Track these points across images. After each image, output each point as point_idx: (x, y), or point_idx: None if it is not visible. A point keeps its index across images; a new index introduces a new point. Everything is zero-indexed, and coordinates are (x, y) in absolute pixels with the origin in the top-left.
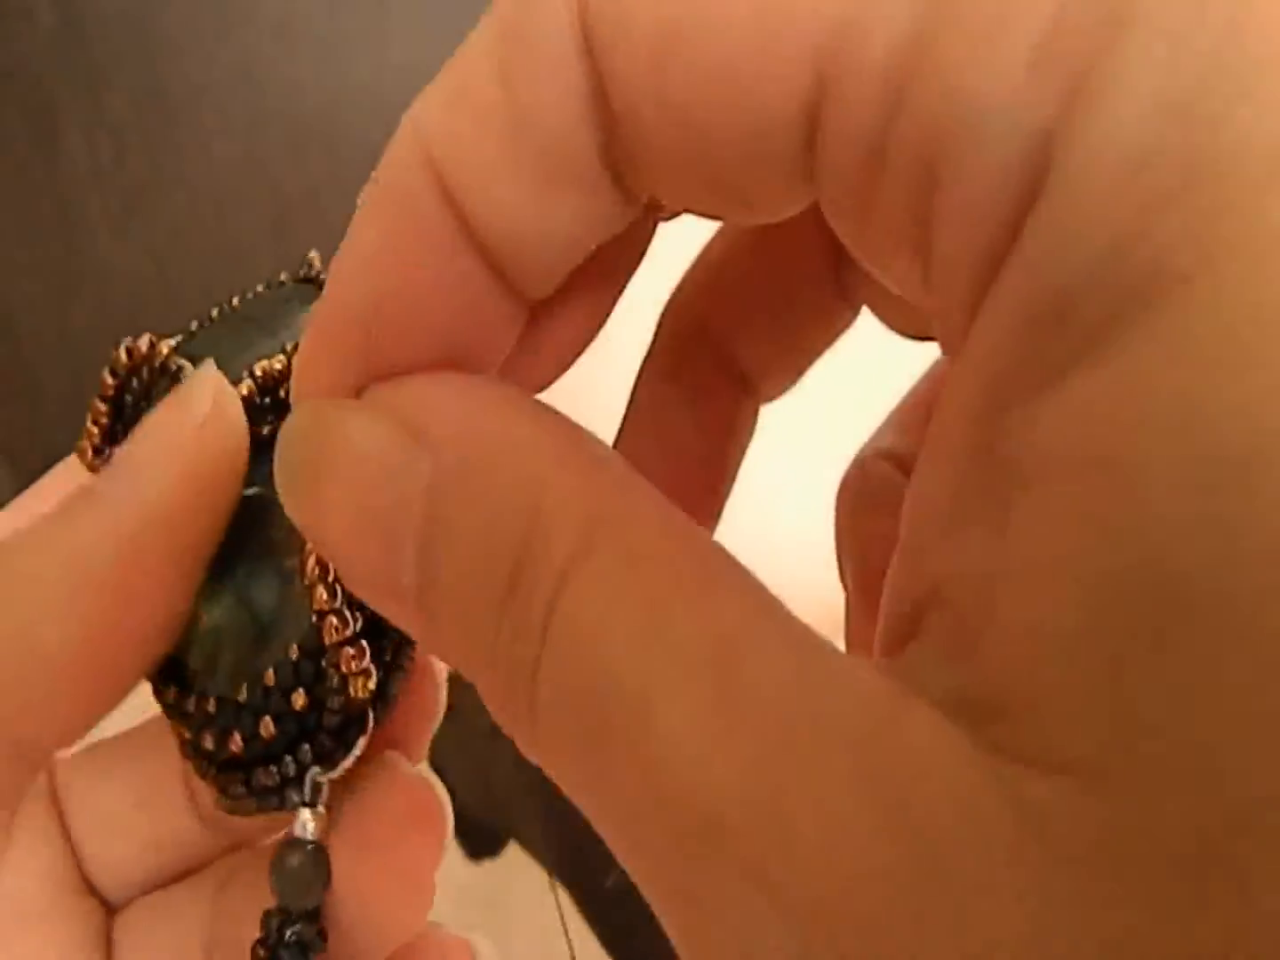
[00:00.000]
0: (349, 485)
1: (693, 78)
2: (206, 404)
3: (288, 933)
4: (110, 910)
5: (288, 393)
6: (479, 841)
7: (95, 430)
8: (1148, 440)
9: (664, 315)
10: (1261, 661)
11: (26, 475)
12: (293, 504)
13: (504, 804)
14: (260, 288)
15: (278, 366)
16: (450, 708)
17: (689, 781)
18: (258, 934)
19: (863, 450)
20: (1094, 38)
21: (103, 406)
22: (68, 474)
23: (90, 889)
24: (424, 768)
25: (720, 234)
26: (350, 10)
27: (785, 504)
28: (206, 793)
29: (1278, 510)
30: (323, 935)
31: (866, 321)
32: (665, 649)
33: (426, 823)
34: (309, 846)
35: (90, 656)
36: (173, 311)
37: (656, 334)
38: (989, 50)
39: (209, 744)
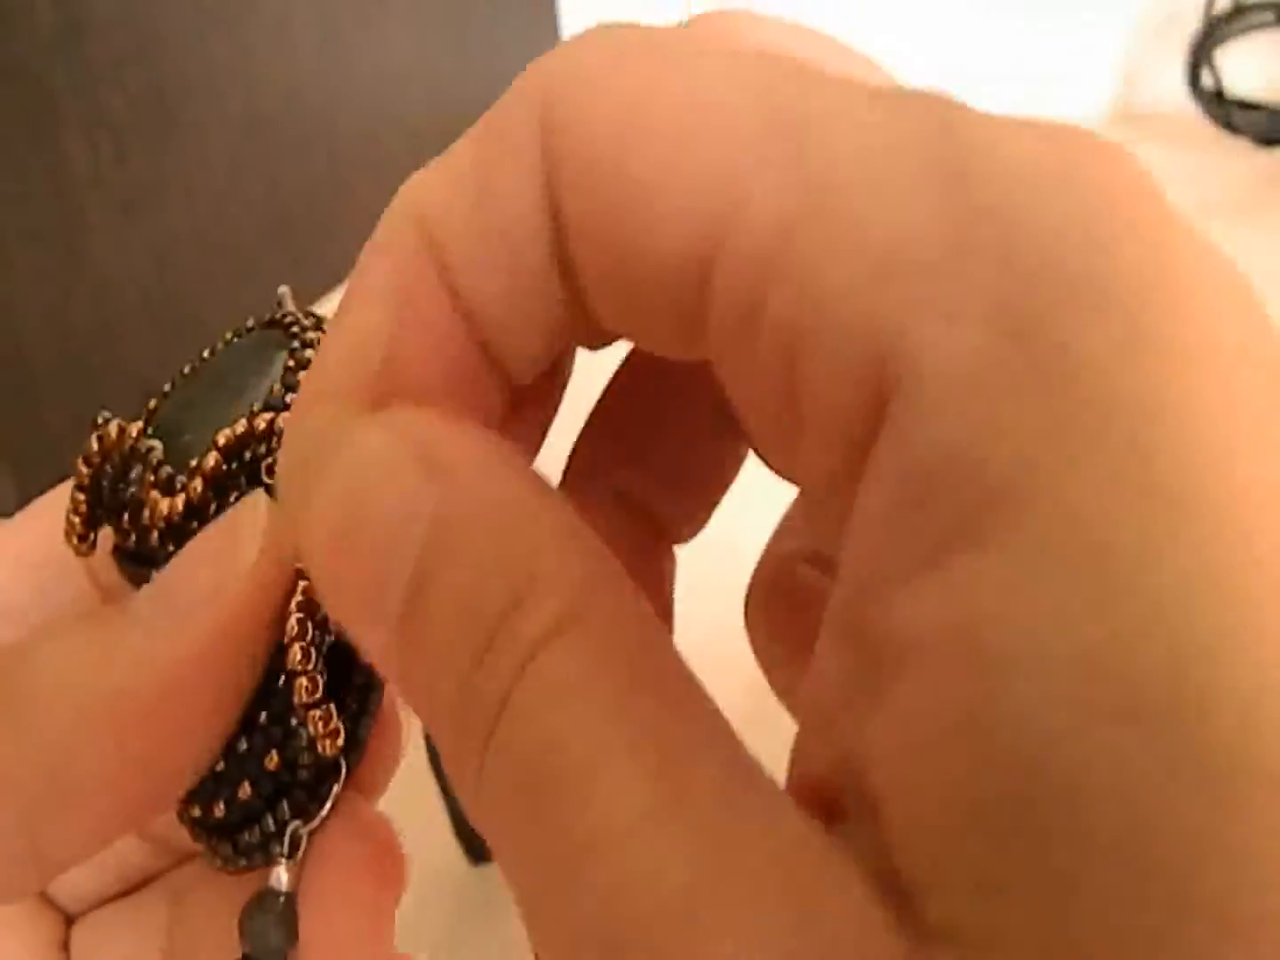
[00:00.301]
0: (354, 494)
1: (610, 216)
2: (256, 545)
3: None
4: (67, 920)
5: (253, 455)
6: (480, 845)
7: (77, 519)
8: (1005, 638)
9: (569, 458)
10: (1112, 885)
11: (26, 476)
12: (292, 500)
13: None
14: (229, 335)
15: (240, 430)
16: None
17: (618, 865)
18: (213, 947)
19: (770, 550)
20: (938, 255)
21: (80, 495)
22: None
23: (46, 899)
24: (425, 770)
25: (617, 376)
26: (350, 10)
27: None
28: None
29: (1136, 735)
30: None
31: None
32: (616, 730)
33: (387, 866)
34: (280, 898)
35: (116, 786)
36: (173, 311)
37: (563, 477)
38: (839, 258)
39: (196, 812)
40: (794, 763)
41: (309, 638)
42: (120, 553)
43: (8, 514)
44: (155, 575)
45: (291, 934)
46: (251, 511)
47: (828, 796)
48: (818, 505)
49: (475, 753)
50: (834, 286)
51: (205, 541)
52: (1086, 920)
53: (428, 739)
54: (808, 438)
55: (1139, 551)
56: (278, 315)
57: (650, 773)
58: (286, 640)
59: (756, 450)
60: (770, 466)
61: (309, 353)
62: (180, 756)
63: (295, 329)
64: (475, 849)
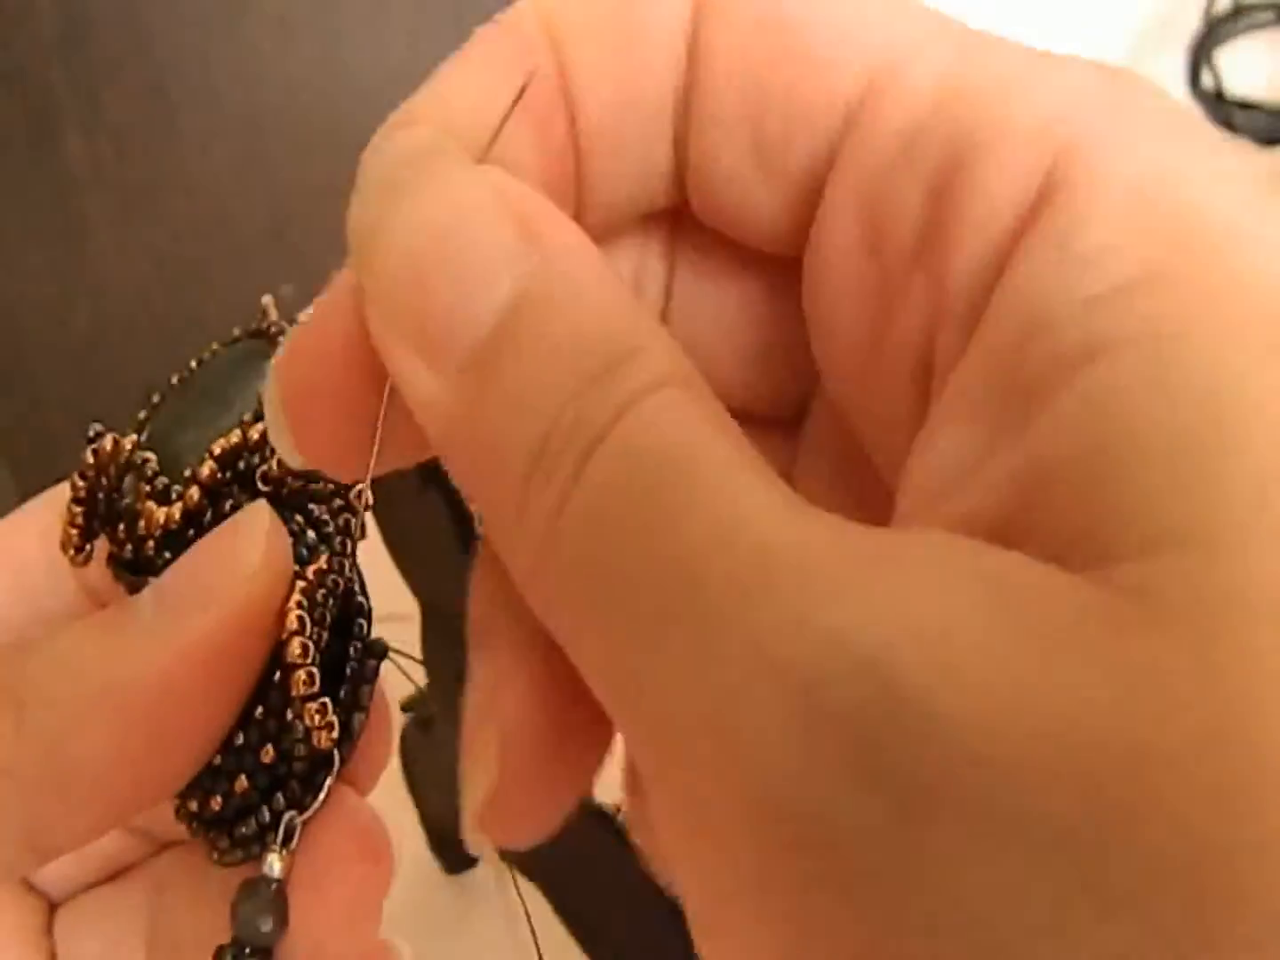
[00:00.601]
0: (444, 228)
1: (767, 55)
2: (259, 552)
3: None
4: (51, 905)
5: (247, 465)
6: (456, 856)
7: (74, 532)
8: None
9: None
10: None
11: (26, 475)
12: (365, 218)
13: None
14: (215, 346)
15: (234, 440)
16: (426, 722)
17: (771, 535)
18: (196, 936)
19: None
20: (1096, 121)
21: (76, 508)
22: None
23: (29, 885)
24: (398, 784)
25: None
26: (350, 10)
27: None
28: None
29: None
30: None
31: None
32: (739, 450)
33: (374, 857)
34: (271, 885)
35: (114, 777)
36: (173, 311)
37: None
38: (1012, 101)
39: (194, 807)
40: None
41: (308, 632)
42: (116, 562)
43: (7, 512)
44: (160, 577)
45: (281, 921)
46: (255, 518)
47: None
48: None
49: (557, 492)
50: (1010, 112)
51: (209, 545)
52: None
53: (401, 750)
54: (951, 250)
55: None
56: (263, 325)
57: (777, 484)
58: (286, 634)
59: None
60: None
61: None
62: (178, 750)
63: (281, 338)
64: (451, 859)
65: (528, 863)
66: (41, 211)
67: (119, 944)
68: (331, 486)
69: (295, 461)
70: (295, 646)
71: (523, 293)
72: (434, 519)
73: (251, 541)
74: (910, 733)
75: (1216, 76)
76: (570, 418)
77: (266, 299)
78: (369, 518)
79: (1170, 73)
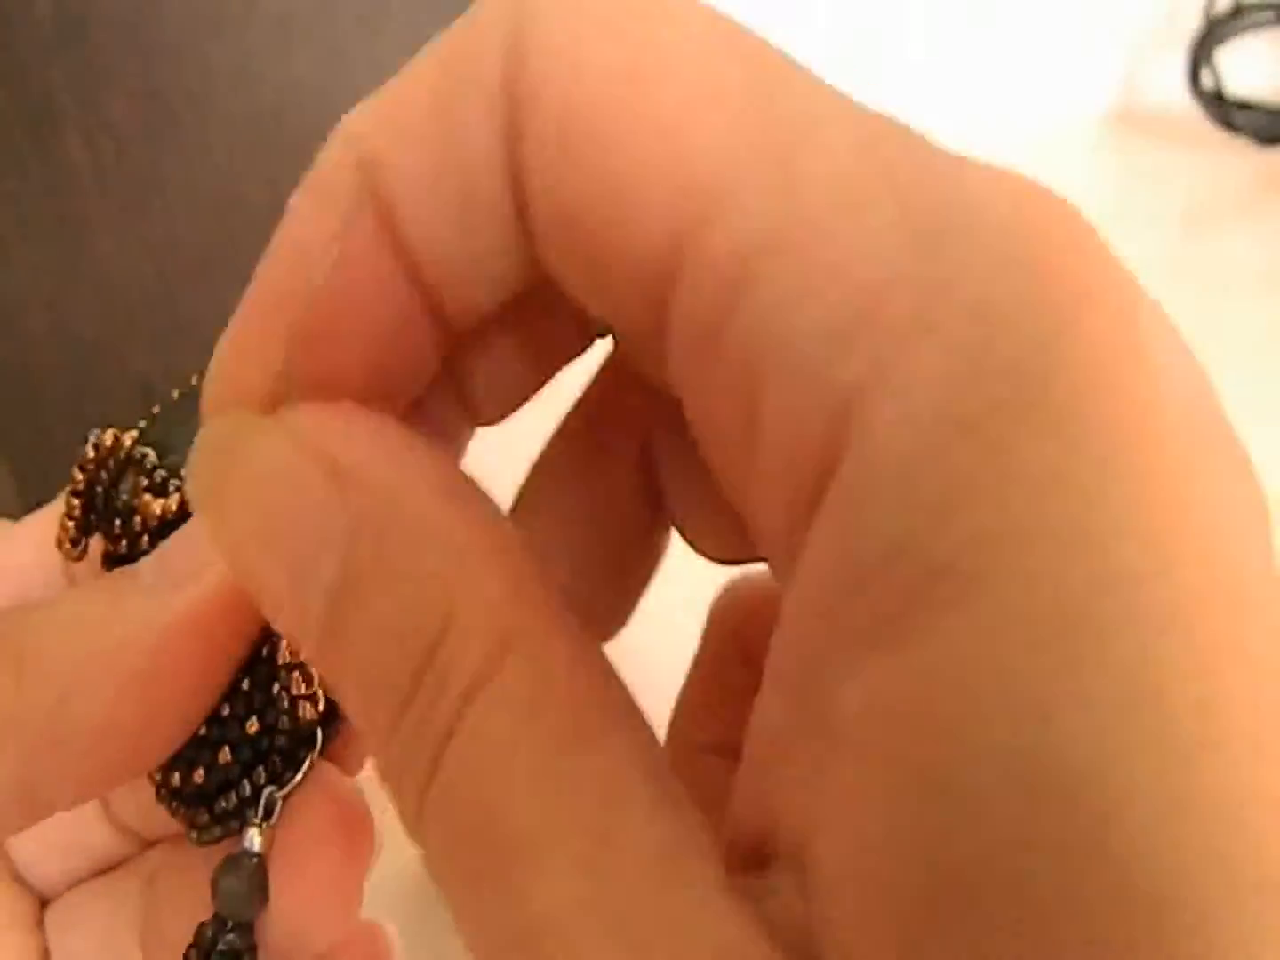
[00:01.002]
0: (265, 507)
1: (579, 188)
2: None
3: (220, 942)
4: (42, 901)
5: None
6: None
7: (70, 524)
8: (947, 726)
9: None
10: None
11: (27, 475)
12: (204, 518)
13: None
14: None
15: None
16: None
17: (551, 947)
18: (187, 929)
19: (673, 734)
20: (904, 324)
21: (75, 501)
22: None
23: (18, 878)
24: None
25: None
26: (349, 10)
27: None
28: (120, 802)
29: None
30: (253, 949)
31: None
32: (557, 798)
33: (355, 833)
34: (252, 860)
35: (110, 739)
36: (173, 311)
37: None
38: (809, 300)
39: (176, 781)
40: (734, 796)
41: None
42: (110, 560)
43: (8, 512)
44: (161, 545)
45: (262, 895)
46: None
47: (759, 840)
48: (768, 538)
49: (413, 795)
50: (802, 328)
51: None
52: None
53: None
54: (762, 474)
55: (1092, 638)
56: None
57: (584, 861)
58: None
59: (683, 533)
60: (697, 547)
61: None
62: (172, 713)
63: None
64: None
65: None
66: (41, 211)
67: (111, 939)
68: None
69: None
70: None
71: (338, 583)
72: None
73: None
74: None
75: (1216, 76)
76: (405, 731)
77: None
78: None
79: (1170, 73)
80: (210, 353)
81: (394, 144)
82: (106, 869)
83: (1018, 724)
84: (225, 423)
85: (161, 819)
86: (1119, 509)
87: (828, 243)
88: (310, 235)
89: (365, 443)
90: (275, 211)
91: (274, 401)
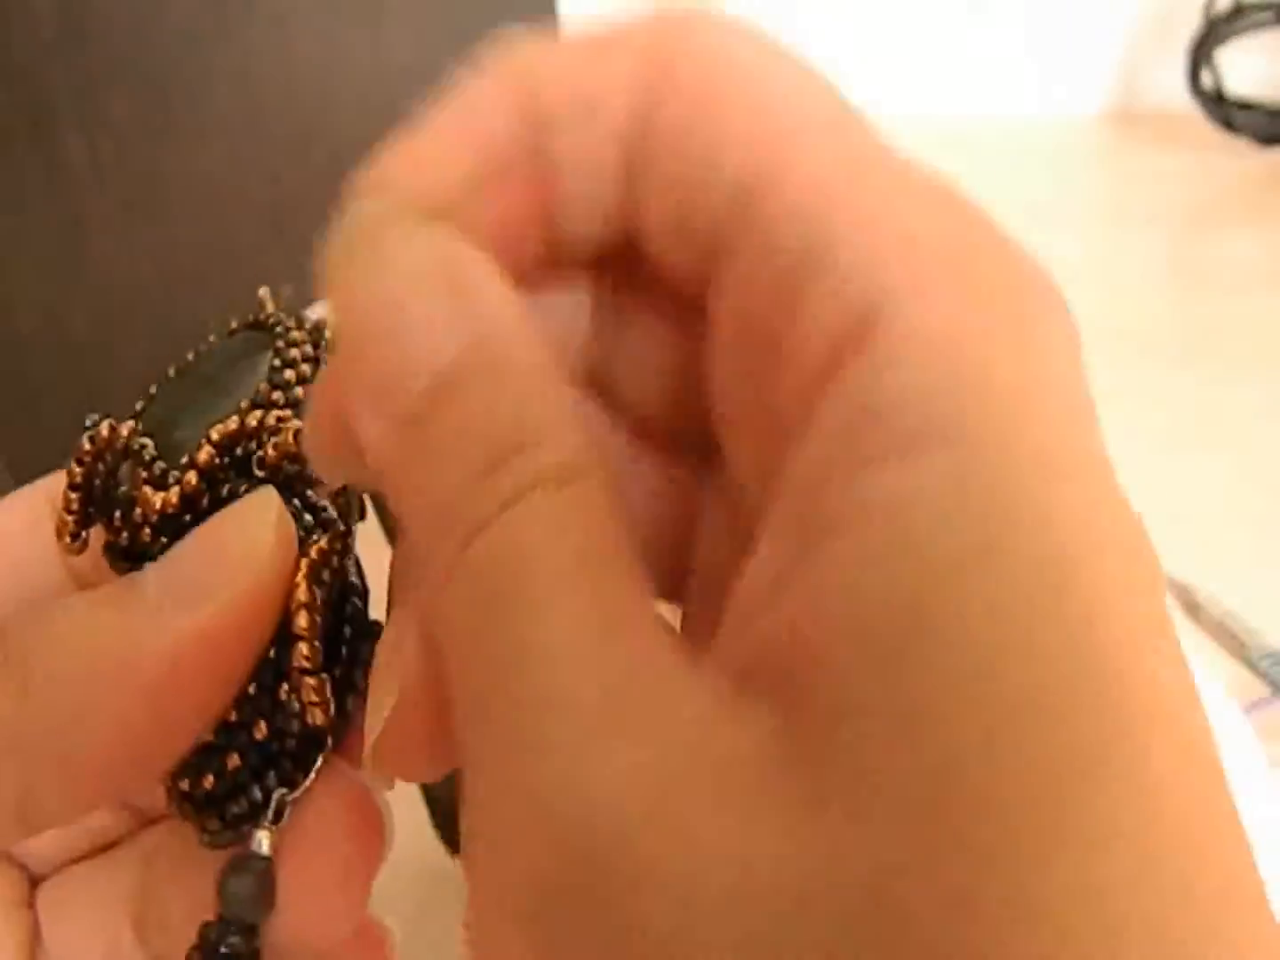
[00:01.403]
0: (391, 295)
1: (692, 132)
2: (269, 538)
3: (224, 945)
4: (33, 880)
5: (245, 451)
6: (458, 833)
7: (69, 518)
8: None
9: None
10: (968, 677)
11: (25, 476)
12: (333, 277)
13: None
14: (212, 338)
15: (233, 427)
16: None
17: (548, 675)
18: (186, 912)
19: None
20: (937, 264)
21: (73, 495)
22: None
23: (9, 855)
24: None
25: None
26: (349, 10)
27: None
28: None
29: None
30: (257, 952)
31: None
32: (580, 575)
33: (366, 833)
34: (260, 862)
35: (114, 756)
36: (173, 311)
37: None
38: (861, 227)
39: (186, 786)
40: (714, 651)
41: (315, 606)
42: (111, 550)
43: None
44: (163, 557)
45: (268, 898)
46: (264, 503)
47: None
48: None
49: (450, 554)
50: (852, 242)
51: (218, 529)
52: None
53: None
54: (782, 364)
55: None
56: (261, 316)
57: (597, 614)
58: (294, 606)
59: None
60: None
61: (294, 352)
62: (179, 730)
63: (279, 329)
64: (454, 836)
65: None
66: (41, 211)
67: (104, 920)
68: None
69: (332, 481)
70: (302, 619)
71: (447, 371)
72: None
73: (261, 527)
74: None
75: (1216, 76)
76: (466, 501)
77: (264, 291)
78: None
79: (1170, 73)
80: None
81: (555, 73)
82: (105, 846)
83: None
84: (380, 205)
85: (163, 794)
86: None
87: (869, 210)
88: (483, 102)
89: (494, 283)
90: (275, 210)
91: (432, 211)
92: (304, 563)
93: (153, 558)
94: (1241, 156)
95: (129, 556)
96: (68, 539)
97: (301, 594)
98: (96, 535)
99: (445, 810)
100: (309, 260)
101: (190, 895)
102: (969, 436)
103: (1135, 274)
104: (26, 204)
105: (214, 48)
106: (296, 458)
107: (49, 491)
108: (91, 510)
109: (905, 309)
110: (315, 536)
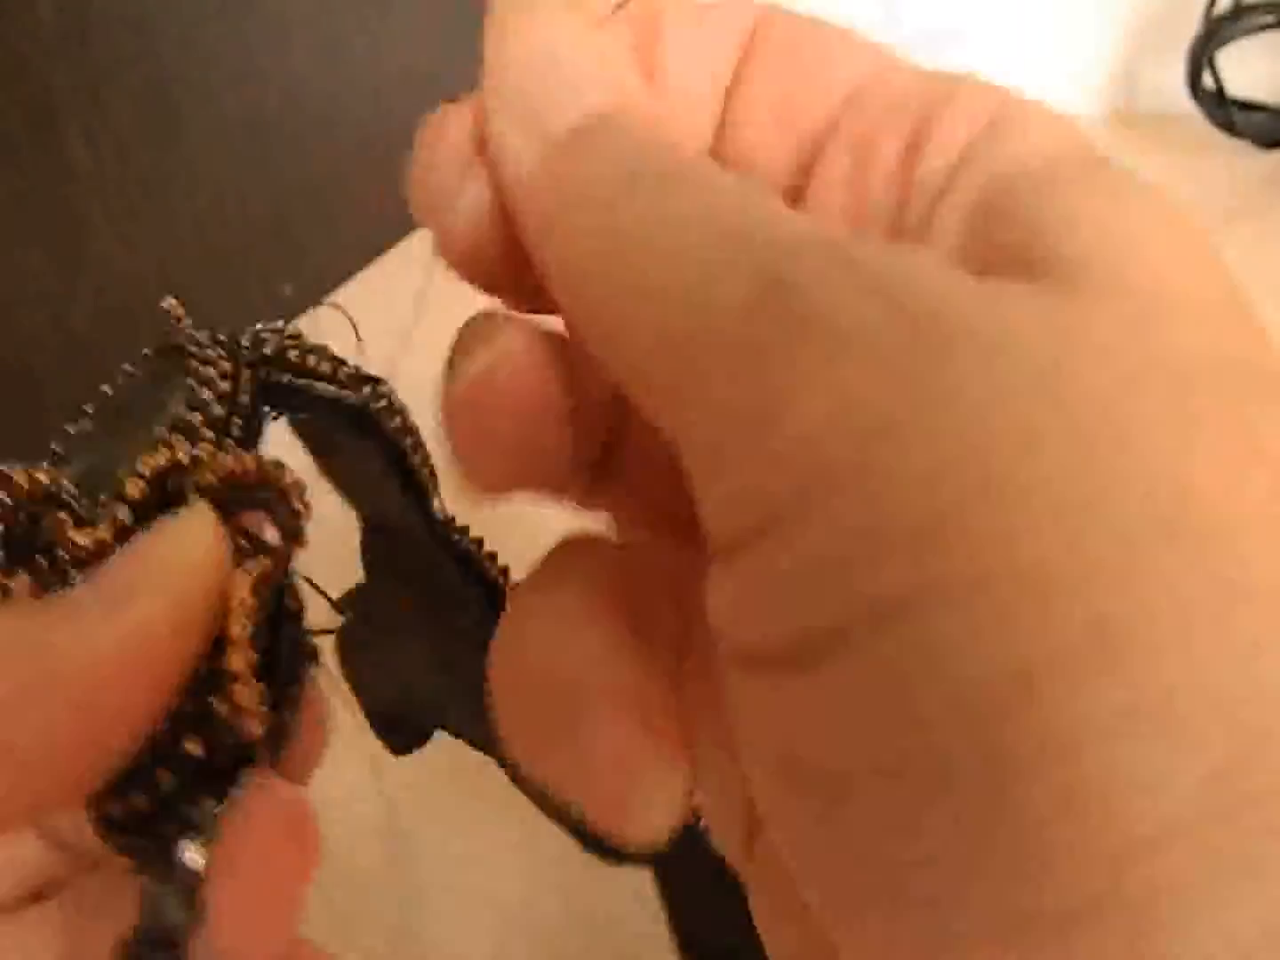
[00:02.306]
0: (560, 40)
1: (795, 60)
2: (204, 543)
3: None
4: None
5: (176, 485)
6: (403, 735)
7: None
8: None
9: None
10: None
11: None
12: (504, 20)
13: (424, 701)
14: (128, 367)
15: (162, 461)
16: (366, 616)
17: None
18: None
19: None
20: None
21: None
22: None
23: None
24: (338, 676)
25: None
26: (350, 10)
27: None
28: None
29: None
30: None
31: None
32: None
33: (302, 847)
34: (188, 877)
35: (45, 766)
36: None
37: None
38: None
39: (117, 811)
40: None
41: (252, 614)
42: (39, 594)
43: None
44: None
45: (193, 910)
46: (197, 513)
47: None
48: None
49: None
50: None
51: (152, 536)
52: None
53: (340, 645)
54: (914, 166)
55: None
56: (175, 340)
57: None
58: (230, 613)
59: None
60: None
61: (209, 370)
62: (106, 742)
63: (193, 349)
64: (396, 742)
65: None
66: (42, 211)
67: None
68: (267, 495)
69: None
70: (236, 626)
71: (592, 114)
72: (371, 459)
73: (195, 534)
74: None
75: (1217, 78)
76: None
77: (169, 302)
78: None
79: (1170, 75)
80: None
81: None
82: (40, 889)
83: None
84: None
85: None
86: None
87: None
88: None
89: (634, 83)
90: (275, 211)
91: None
92: (241, 574)
93: None
94: (1242, 158)
95: None
96: None
97: (237, 603)
98: (21, 584)
99: (385, 719)
100: (309, 260)
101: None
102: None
103: None
104: (28, 204)
105: (215, 48)
106: (235, 482)
107: None
108: (15, 561)
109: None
110: (254, 560)
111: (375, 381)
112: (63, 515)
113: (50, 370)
